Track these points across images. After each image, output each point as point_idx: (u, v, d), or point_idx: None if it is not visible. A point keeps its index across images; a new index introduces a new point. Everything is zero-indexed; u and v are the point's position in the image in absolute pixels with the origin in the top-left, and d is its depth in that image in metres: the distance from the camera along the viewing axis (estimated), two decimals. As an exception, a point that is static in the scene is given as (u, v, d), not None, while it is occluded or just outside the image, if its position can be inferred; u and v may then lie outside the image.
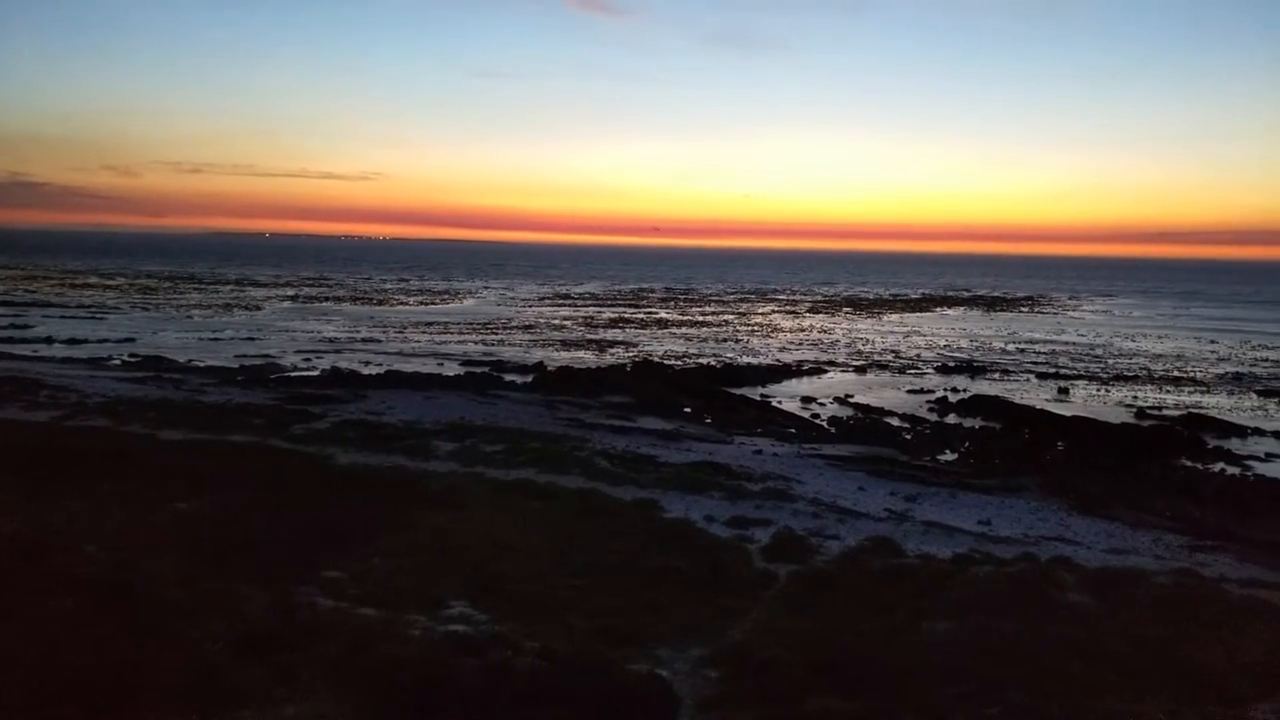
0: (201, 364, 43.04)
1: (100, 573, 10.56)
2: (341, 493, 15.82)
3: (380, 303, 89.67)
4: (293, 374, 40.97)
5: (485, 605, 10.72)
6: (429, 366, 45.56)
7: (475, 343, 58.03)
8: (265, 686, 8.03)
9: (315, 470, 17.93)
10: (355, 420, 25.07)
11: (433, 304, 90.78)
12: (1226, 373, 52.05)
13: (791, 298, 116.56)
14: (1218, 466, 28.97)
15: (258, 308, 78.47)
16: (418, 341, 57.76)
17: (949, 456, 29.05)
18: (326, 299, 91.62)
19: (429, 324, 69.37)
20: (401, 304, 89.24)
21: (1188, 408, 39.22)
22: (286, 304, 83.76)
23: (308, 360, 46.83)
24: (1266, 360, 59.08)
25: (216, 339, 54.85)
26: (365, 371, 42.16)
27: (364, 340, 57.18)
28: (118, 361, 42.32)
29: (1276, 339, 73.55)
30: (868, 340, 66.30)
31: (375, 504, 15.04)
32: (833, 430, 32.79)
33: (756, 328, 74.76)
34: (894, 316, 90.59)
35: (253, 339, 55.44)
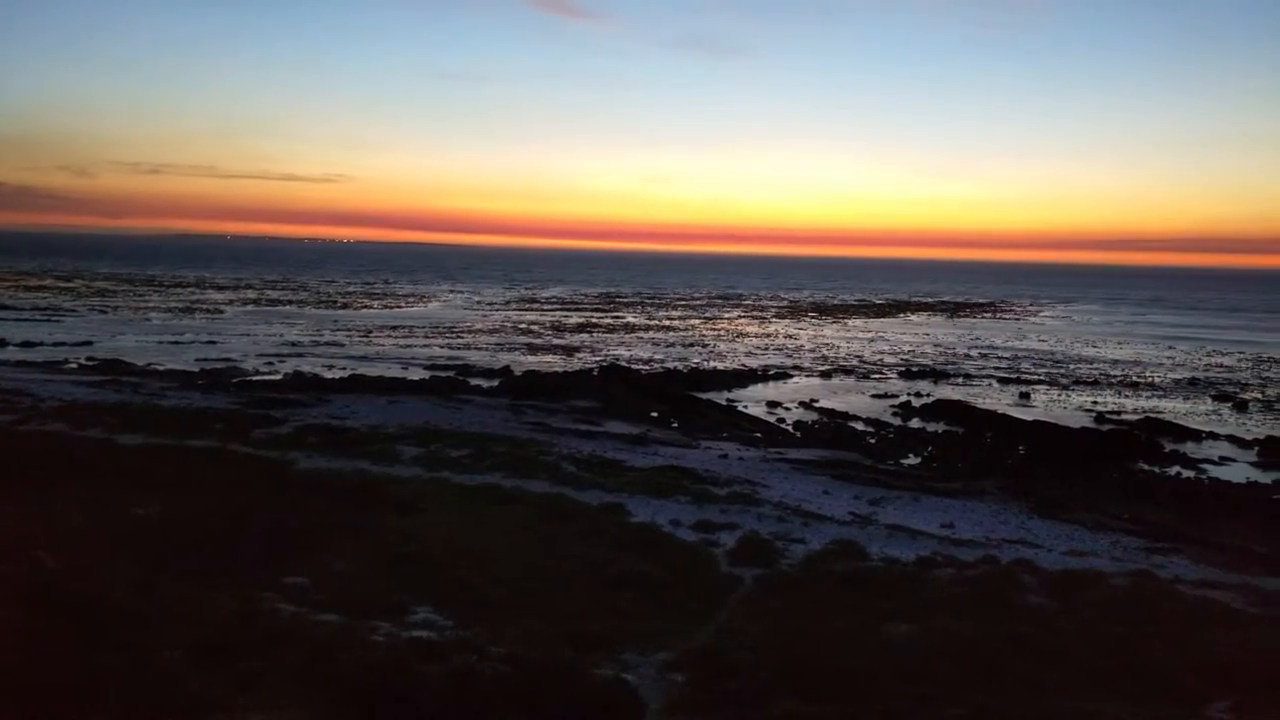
0: (161, 367, 42.39)
1: (55, 581, 10.34)
2: (304, 498, 15.63)
3: (344, 306, 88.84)
4: (254, 378, 40.48)
5: (450, 611, 10.64)
6: (393, 370, 45.22)
7: (441, 347, 57.69)
8: (226, 695, 7.91)
9: (277, 475, 17.71)
10: (318, 425, 24.82)
11: (398, 308, 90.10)
12: (1182, 378, 53.07)
13: (758, 303, 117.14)
14: (1173, 470, 29.53)
15: (219, 311, 77.44)
16: (382, 345, 57.29)
17: (912, 460, 29.35)
18: (289, 302, 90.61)
19: (393, 328, 68.84)
20: (366, 307, 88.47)
21: (1145, 412, 39.95)
22: (248, 307, 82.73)
23: (270, 364, 46.28)
24: (1220, 366, 60.34)
25: (176, 342, 54.03)
26: (328, 375, 41.76)
27: (327, 344, 56.61)
28: (74, 365, 41.56)
29: (1230, 345, 75.13)
30: (833, 345, 66.80)
31: (338, 509, 14.88)
32: (798, 434, 32.99)
33: (723, 332, 75.03)
34: (859, 322, 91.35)
35: (213, 342, 54.70)
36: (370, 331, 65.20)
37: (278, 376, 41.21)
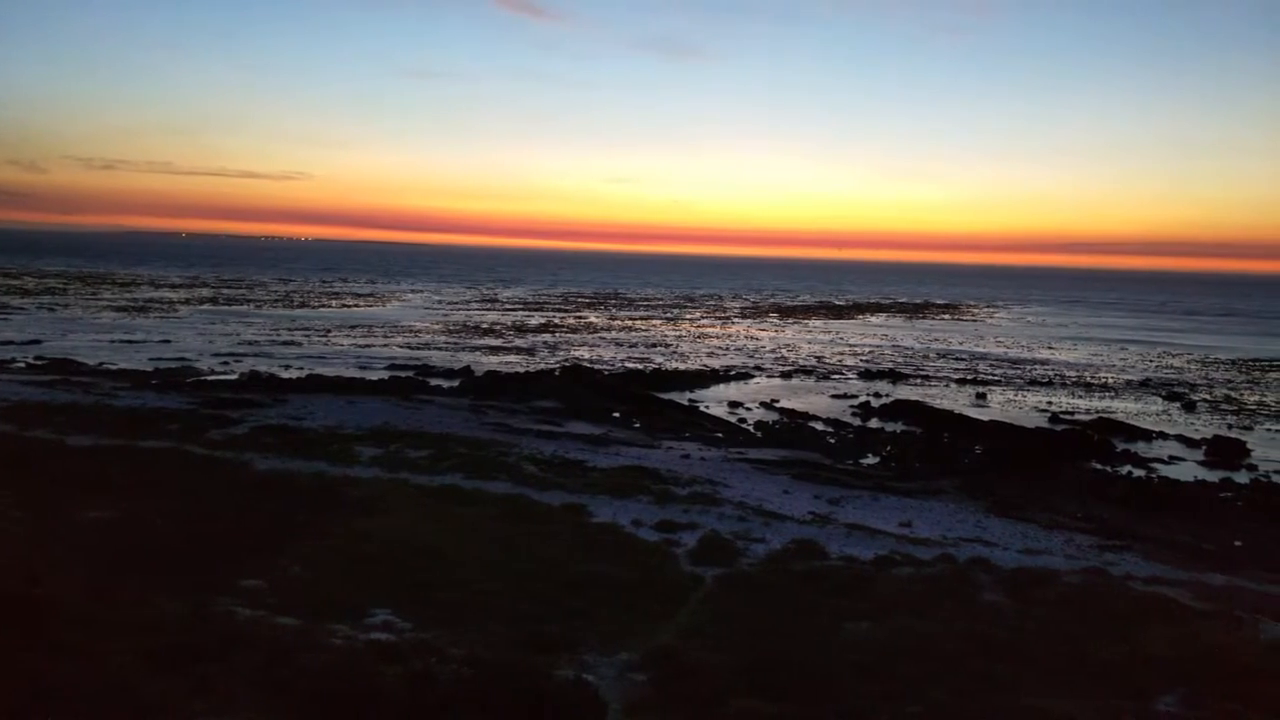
0: (113, 367, 41.55)
1: (2, 585, 10.10)
2: (260, 500, 15.42)
3: (301, 305, 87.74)
4: (210, 378, 39.84)
5: (409, 613, 10.56)
6: (352, 370, 44.75)
7: (400, 346, 57.19)
8: (181, 699, 7.77)
9: (233, 477, 17.45)
10: (275, 425, 24.48)
11: (357, 307, 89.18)
12: (1134, 379, 54.16)
13: (720, 303, 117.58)
14: (1125, 469, 30.11)
15: (173, 310, 76.11)
16: (341, 345, 56.67)
17: (871, 460, 29.62)
18: (246, 301, 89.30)
19: (352, 327, 68.13)
20: (324, 306, 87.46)
21: (1098, 412, 40.69)
22: (204, 306, 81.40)
23: (225, 364, 45.58)
24: (1171, 367, 61.65)
25: (129, 341, 52.99)
26: (285, 375, 41.21)
27: (284, 343, 55.88)
28: (22, 364, 40.56)
29: (1180, 347, 76.82)
30: (793, 346, 67.24)
31: (296, 511, 14.69)
32: (759, 434, 33.16)
33: (685, 333, 75.21)
34: (819, 323, 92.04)
35: (168, 341, 53.74)
36: (329, 331, 64.47)
37: (234, 376, 40.58)
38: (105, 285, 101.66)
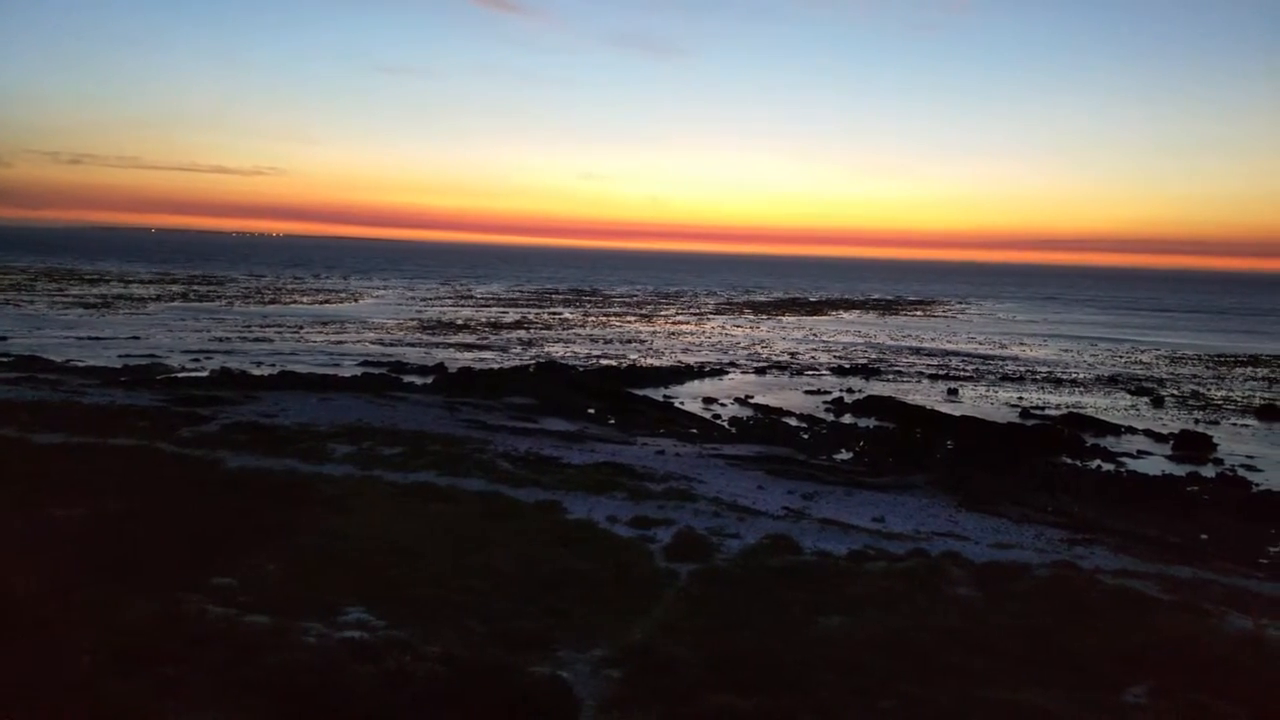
0: (81, 364, 40.99)
1: (-35, 585, 9.93)
2: (232, 497, 15.26)
3: (273, 301, 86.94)
4: (180, 375, 39.41)
5: (382, 611, 10.49)
6: (324, 367, 44.42)
7: (373, 343, 56.83)
8: (147, 700, 7.68)
9: (204, 474, 17.25)
10: (246, 422, 24.24)
11: (329, 303, 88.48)
12: (1103, 374, 54.82)
13: (695, 300, 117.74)
14: (1095, 463, 30.50)
15: (143, 306, 75.15)
16: (313, 341, 56.22)
17: (845, 455, 29.80)
18: (217, 297, 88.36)
19: (325, 323, 67.60)
20: (296, 303, 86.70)
21: (1068, 407, 41.17)
22: (174, 302, 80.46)
23: (196, 360, 45.10)
24: (1139, 362, 62.47)
25: (98, 338, 52.28)
26: (257, 372, 40.85)
27: (256, 340, 55.36)
28: (-13, 361, 39.91)
29: (1149, 343, 77.85)
30: (767, 342, 67.47)
31: (267, 509, 14.56)
32: (733, 430, 33.26)
33: (660, 329, 75.25)
34: (793, 319, 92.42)
35: (137, 338, 53.08)
36: (301, 327, 63.92)
37: (204, 373, 40.17)
38: (72, 281, 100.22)
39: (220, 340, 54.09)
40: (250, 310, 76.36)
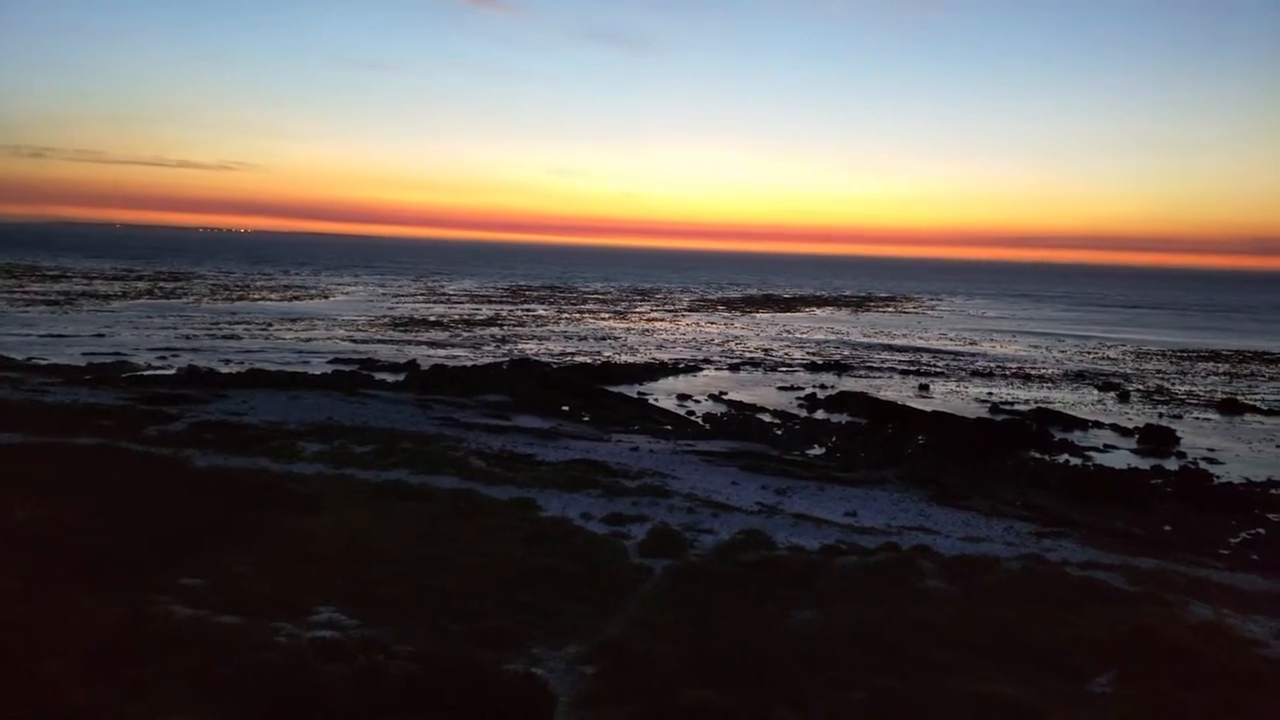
0: (44, 362, 40.34)
1: (-73, 588, 9.76)
2: (200, 497, 15.09)
3: (241, 298, 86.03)
4: (146, 373, 38.92)
5: (355, 610, 10.42)
6: (294, 365, 44.02)
7: (344, 340, 56.38)
8: (114, 703, 7.58)
9: (172, 474, 17.05)
10: (215, 421, 23.98)
11: (299, 300, 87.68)
12: (1071, 370, 55.53)
13: (669, 297, 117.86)
14: (1063, 458, 30.89)
15: (107, 303, 74.08)
16: (282, 339, 55.70)
17: (817, 451, 29.99)
18: (184, 294, 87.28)
19: (294, 320, 66.98)
20: (265, 300, 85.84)
21: (1037, 403, 41.67)
22: (140, 299, 79.38)
23: (163, 358, 44.55)
24: (1106, 358, 63.32)
25: (60, 336, 51.48)
26: (225, 370, 40.43)
27: (224, 337, 54.78)
28: (-53, 360, 39.19)
29: (1116, 339, 78.93)
30: (741, 339, 67.69)
31: (237, 508, 14.41)
32: (707, 427, 33.35)
33: (634, 326, 75.26)
34: (766, 316, 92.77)
35: (102, 335, 52.32)
36: (270, 324, 63.30)
37: (171, 371, 39.70)
38: (33, 278, 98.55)
39: (187, 338, 53.46)
40: (218, 307, 75.51)
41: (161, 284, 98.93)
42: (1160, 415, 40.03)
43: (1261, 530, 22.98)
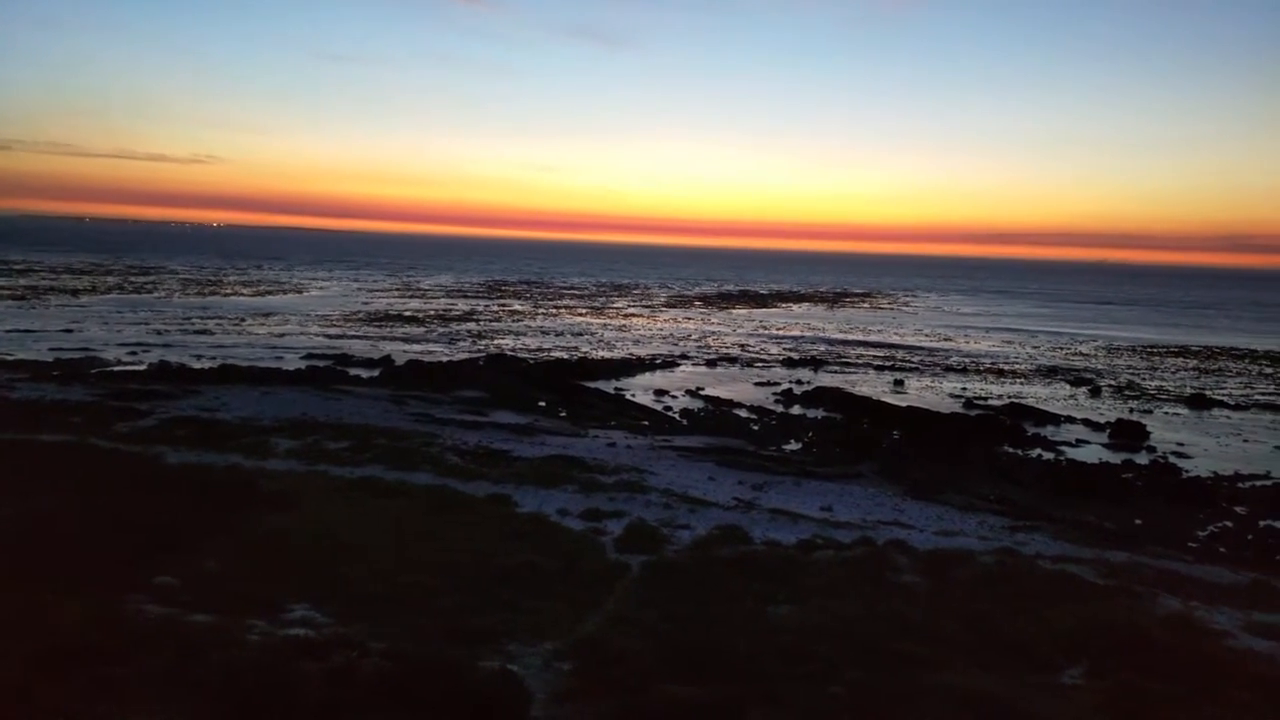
0: (10, 358, 39.73)
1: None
2: (172, 494, 14.92)
3: (214, 293, 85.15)
4: (116, 368, 38.44)
5: (329, 607, 10.35)
6: (267, 360, 43.61)
7: (318, 335, 55.96)
8: (85, 702, 7.48)
9: (143, 471, 16.84)
10: (186, 417, 23.71)
11: (272, 295, 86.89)
12: (1043, 365, 56.06)
13: (646, 292, 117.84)
14: (1035, 452, 31.19)
15: (76, 298, 73.07)
16: (255, 334, 55.19)
17: (794, 446, 30.09)
18: (154, 289, 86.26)
19: (267, 315, 66.37)
20: (238, 295, 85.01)
21: (1010, 398, 42.02)
22: (110, 294, 78.37)
23: (133, 354, 44.00)
24: (1079, 354, 63.98)
25: (27, 331, 50.71)
26: (197, 366, 40.00)
27: (196, 333, 54.20)
28: (-88, 355, 38.51)
29: (1087, 335, 79.78)
30: (718, 335, 67.80)
31: (209, 505, 14.27)
32: (684, 422, 33.38)
33: (611, 322, 75.20)
34: (743, 311, 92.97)
35: (70, 331, 51.61)
36: (243, 320, 62.70)
37: (142, 367, 39.24)
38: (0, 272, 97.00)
39: (158, 333, 52.84)
40: (190, 302, 74.70)
41: (132, 278, 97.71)
42: (1131, 410, 40.51)
43: (1229, 523, 23.32)
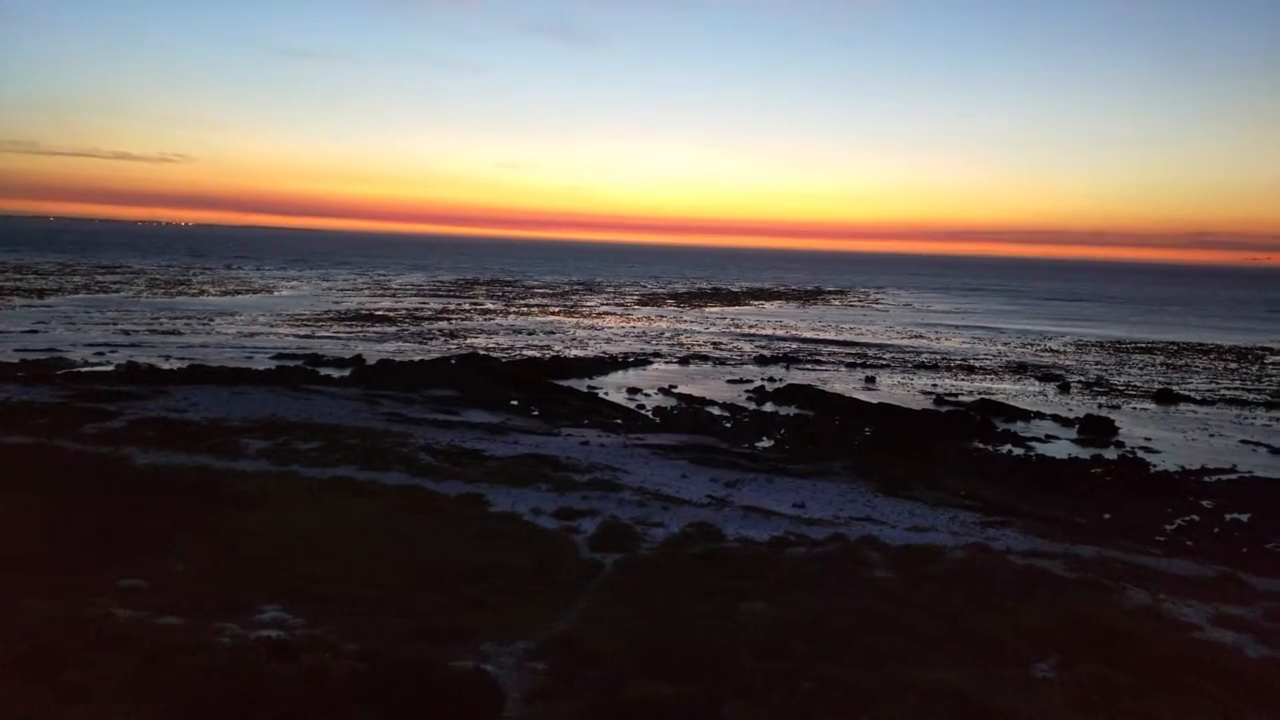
0: (-27, 359, 39.06)
1: None
2: (141, 496, 14.72)
3: (182, 293, 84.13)
4: (83, 369, 37.92)
5: (300, 609, 10.26)
6: (237, 360, 43.18)
7: (288, 335, 55.46)
8: (51, 708, 7.37)
9: (110, 472, 16.60)
10: (155, 418, 23.42)
11: (241, 294, 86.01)
12: (1013, 361, 56.65)
13: (618, 290, 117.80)
14: (1005, 448, 31.52)
15: (41, 298, 71.92)
16: (224, 334, 54.61)
17: (766, 443, 30.22)
18: (122, 288, 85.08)
19: (237, 315, 65.69)
20: (206, 294, 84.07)
21: (981, 394, 42.43)
22: (77, 295, 77.21)
23: (100, 354, 43.41)
24: (1048, 350, 64.71)
25: (-8, 331, 49.88)
26: (165, 366, 39.54)
27: (165, 333, 53.55)
28: None
29: (1056, 331, 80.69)
30: (691, 332, 67.92)
31: (179, 507, 14.09)
32: (657, 420, 33.42)
33: (584, 320, 75.10)
34: (715, 309, 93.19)
35: (36, 331, 50.80)
36: (211, 319, 62.02)
37: (110, 368, 38.73)
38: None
39: (126, 333, 52.14)
40: (158, 302, 73.76)
41: (99, 278, 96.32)
42: (1100, 406, 41.05)
43: (1195, 517, 23.70)
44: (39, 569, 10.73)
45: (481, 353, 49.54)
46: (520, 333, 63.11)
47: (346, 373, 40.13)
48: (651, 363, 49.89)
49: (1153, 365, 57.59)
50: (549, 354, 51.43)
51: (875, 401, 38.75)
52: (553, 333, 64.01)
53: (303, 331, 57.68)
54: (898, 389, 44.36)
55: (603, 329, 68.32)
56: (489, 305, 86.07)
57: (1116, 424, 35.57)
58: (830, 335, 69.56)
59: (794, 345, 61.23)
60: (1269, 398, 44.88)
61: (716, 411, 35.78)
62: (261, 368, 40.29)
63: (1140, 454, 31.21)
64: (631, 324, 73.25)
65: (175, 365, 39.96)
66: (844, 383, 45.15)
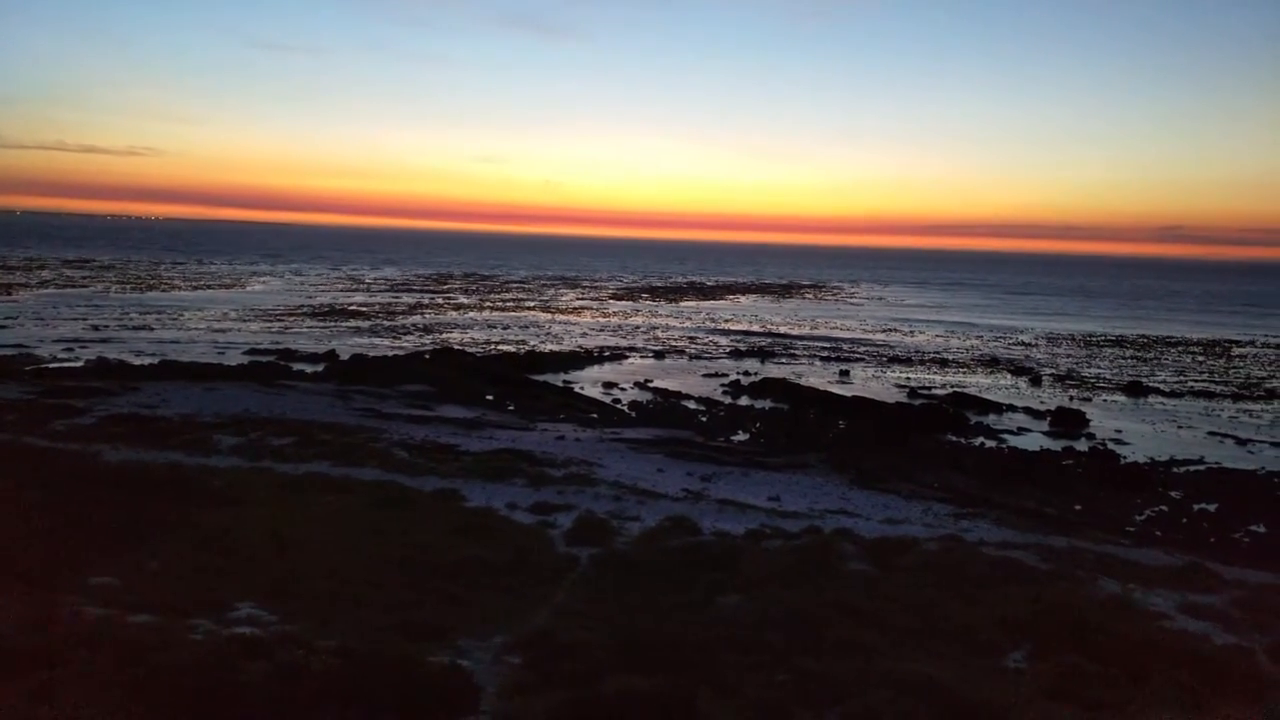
0: (-62, 355, 38.43)
1: None
2: (111, 493, 14.55)
3: (153, 287, 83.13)
4: (52, 365, 37.40)
5: (275, 605, 10.18)
6: (208, 356, 42.77)
7: (261, 330, 54.96)
8: (19, 707, 7.27)
9: (80, 469, 16.38)
10: (125, 414, 23.15)
11: (213, 289, 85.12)
12: (985, 355, 57.17)
13: (594, 284, 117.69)
14: (978, 440, 31.81)
15: (8, 293, 70.82)
16: (196, 329, 54.04)
17: (741, 437, 30.34)
18: (90, 283, 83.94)
19: (209, 310, 65.01)
20: (178, 289, 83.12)
21: (953, 387, 42.82)
22: (45, 290, 76.09)
23: (69, 350, 42.82)
24: (1020, 343, 65.37)
25: (-43, 327, 49.08)
26: (136, 362, 39.08)
27: (135, 328, 52.91)
28: None
29: (1028, 324, 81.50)
30: (666, 326, 67.99)
31: (150, 504, 13.94)
32: (633, 414, 33.46)
33: (559, 315, 74.98)
34: (691, 303, 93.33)
35: (4, 327, 50.05)
36: (182, 314, 61.35)
37: (79, 364, 38.23)
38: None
39: (96, 329, 51.47)
40: (128, 297, 72.84)
41: (67, 273, 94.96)
42: (1071, 398, 41.52)
43: (1164, 508, 24.04)
44: (6, 568, 10.58)
45: (456, 347, 49.35)
46: (495, 327, 62.92)
47: (320, 368, 39.85)
48: (627, 357, 49.90)
49: (1123, 358, 58.32)
50: (524, 348, 51.31)
51: (850, 395, 38.98)
52: (527, 327, 63.87)
53: (275, 327, 57.19)
54: (872, 382, 44.65)
55: (579, 323, 68.24)
56: (463, 300, 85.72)
57: (1087, 416, 35.99)
58: (805, 329, 69.86)
59: (769, 339, 61.45)
60: (1235, 390, 45.59)
61: (692, 405, 35.86)
62: (234, 363, 39.91)
63: (1110, 446, 31.60)
64: (607, 318, 73.21)
65: (146, 361, 39.49)
66: (818, 376, 45.39)
